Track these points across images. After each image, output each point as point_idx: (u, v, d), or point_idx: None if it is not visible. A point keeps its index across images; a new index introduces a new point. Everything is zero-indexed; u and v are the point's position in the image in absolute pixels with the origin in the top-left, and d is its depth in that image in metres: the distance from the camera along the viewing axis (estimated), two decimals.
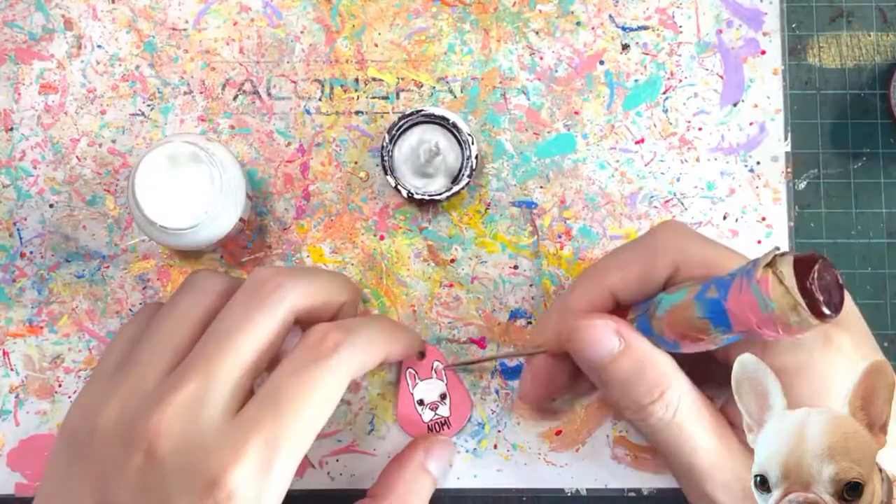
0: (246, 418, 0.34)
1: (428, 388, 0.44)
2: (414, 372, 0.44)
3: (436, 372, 0.44)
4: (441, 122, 0.43)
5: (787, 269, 0.31)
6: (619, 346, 0.36)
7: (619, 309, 0.39)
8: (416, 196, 0.43)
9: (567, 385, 0.42)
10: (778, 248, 0.32)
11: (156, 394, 0.34)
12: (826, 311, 0.31)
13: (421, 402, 0.44)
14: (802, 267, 0.31)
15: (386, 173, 0.43)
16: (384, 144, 0.43)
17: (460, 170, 0.43)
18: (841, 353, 0.35)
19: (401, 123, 0.43)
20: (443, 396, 0.44)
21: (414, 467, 0.42)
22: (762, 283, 0.31)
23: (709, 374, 0.39)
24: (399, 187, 0.43)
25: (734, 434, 0.36)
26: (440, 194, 0.43)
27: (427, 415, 0.44)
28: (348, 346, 0.36)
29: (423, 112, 0.43)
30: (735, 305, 0.33)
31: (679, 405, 0.35)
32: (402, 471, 0.41)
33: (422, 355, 0.44)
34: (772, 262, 0.31)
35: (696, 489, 0.36)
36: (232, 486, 0.32)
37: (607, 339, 0.36)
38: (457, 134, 0.43)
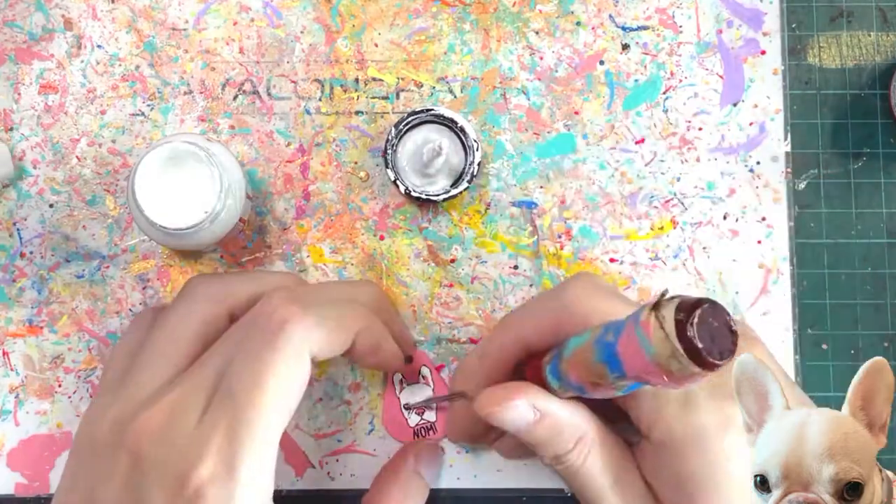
0: (209, 416, 0.34)
1: (414, 393, 0.44)
2: (401, 376, 0.44)
3: (423, 377, 0.44)
4: (449, 124, 0.43)
5: (668, 314, 0.29)
6: (535, 417, 0.37)
7: (534, 358, 0.39)
8: (413, 194, 0.43)
9: (486, 433, 0.42)
10: (666, 291, 0.30)
11: (147, 402, 0.35)
12: (710, 359, 0.29)
13: (407, 407, 0.44)
14: (687, 310, 0.29)
15: (387, 166, 0.43)
16: (389, 138, 0.43)
17: (462, 173, 0.43)
18: (736, 428, 0.34)
19: (409, 120, 0.43)
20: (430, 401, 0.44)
21: (406, 473, 0.42)
22: (644, 326, 0.30)
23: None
24: (398, 182, 0.43)
25: (640, 479, 0.38)
26: (438, 195, 0.43)
27: (413, 419, 0.44)
28: (297, 323, 0.35)
29: (431, 111, 0.43)
30: (624, 349, 0.31)
31: (589, 452, 0.37)
32: (394, 477, 0.42)
33: (409, 360, 0.44)
34: (656, 306, 0.30)
35: None
36: (198, 484, 0.32)
37: (523, 414, 0.37)
38: (463, 138, 0.43)
